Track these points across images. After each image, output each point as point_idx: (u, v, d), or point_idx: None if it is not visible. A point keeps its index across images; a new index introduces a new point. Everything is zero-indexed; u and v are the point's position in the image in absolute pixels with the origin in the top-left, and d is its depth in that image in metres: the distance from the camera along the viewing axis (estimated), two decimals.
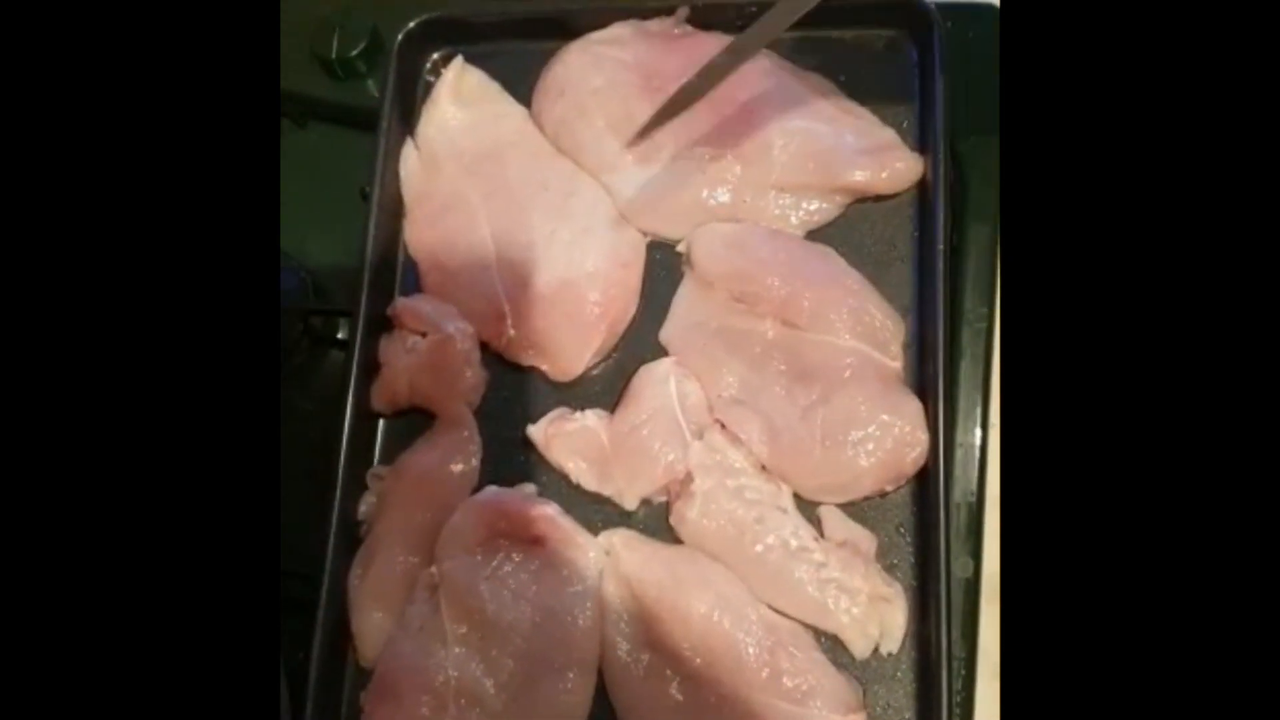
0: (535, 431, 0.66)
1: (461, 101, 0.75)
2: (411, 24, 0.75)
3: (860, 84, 0.71)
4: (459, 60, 0.76)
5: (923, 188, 0.67)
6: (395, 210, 0.74)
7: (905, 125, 0.69)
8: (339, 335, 0.77)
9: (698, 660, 0.60)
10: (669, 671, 0.60)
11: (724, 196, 0.68)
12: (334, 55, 0.81)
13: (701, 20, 0.73)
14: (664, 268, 0.70)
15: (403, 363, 0.68)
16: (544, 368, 0.68)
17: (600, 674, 0.62)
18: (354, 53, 0.81)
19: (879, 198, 0.68)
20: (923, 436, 0.61)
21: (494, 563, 0.63)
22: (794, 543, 0.61)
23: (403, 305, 0.70)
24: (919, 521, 0.62)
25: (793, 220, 0.68)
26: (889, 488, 0.62)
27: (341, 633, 0.65)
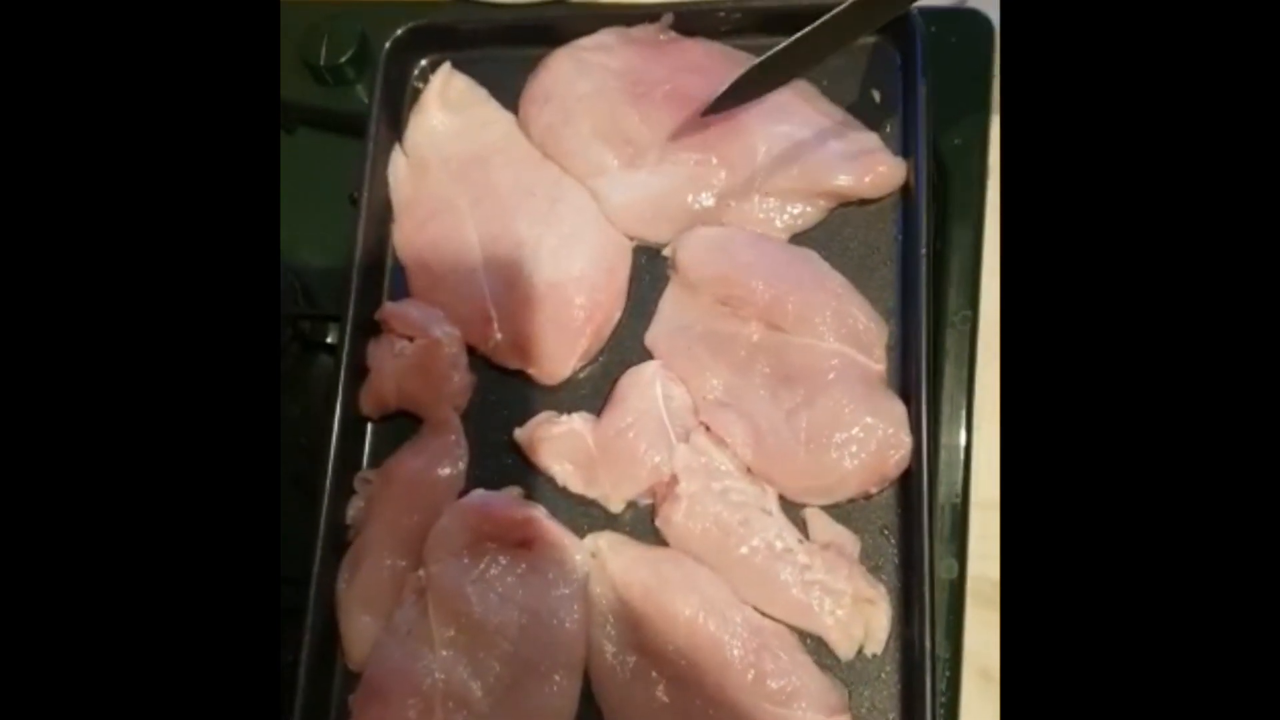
0: (522, 435, 0.67)
1: (449, 107, 0.75)
2: (399, 31, 0.76)
3: (844, 89, 0.71)
4: (446, 67, 0.76)
5: (906, 192, 0.68)
6: (383, 215, 0.74)
7: (888, 130, 0.70)
8: (328, 340, 0.77)
9: (683, 662, 0.60)
10: (655, 673, 0.60)
11: (709, 201, 0.69)
12: (322, 62, 0.82)
13: (686, 27, 0.74)
14: (649, 272, 0.70)
15: (390, 367, 0.69)
16: (530, 371, 0.69)
17: (587, 676, 0.62)
18: (342, 59, 0.82)
19: (862, 202, 0.69)
20: (906, 438, 0.61)
21: (481, 566, 0.64)
22: (779, 545, 0.62)
23: (391, 310, 0.70)
24: (903, 523, 0.62)
25: (777, 224, 0.69)
26: (873, 490, 0.63)
27: (330, 636, 0.66)
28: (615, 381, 0.67)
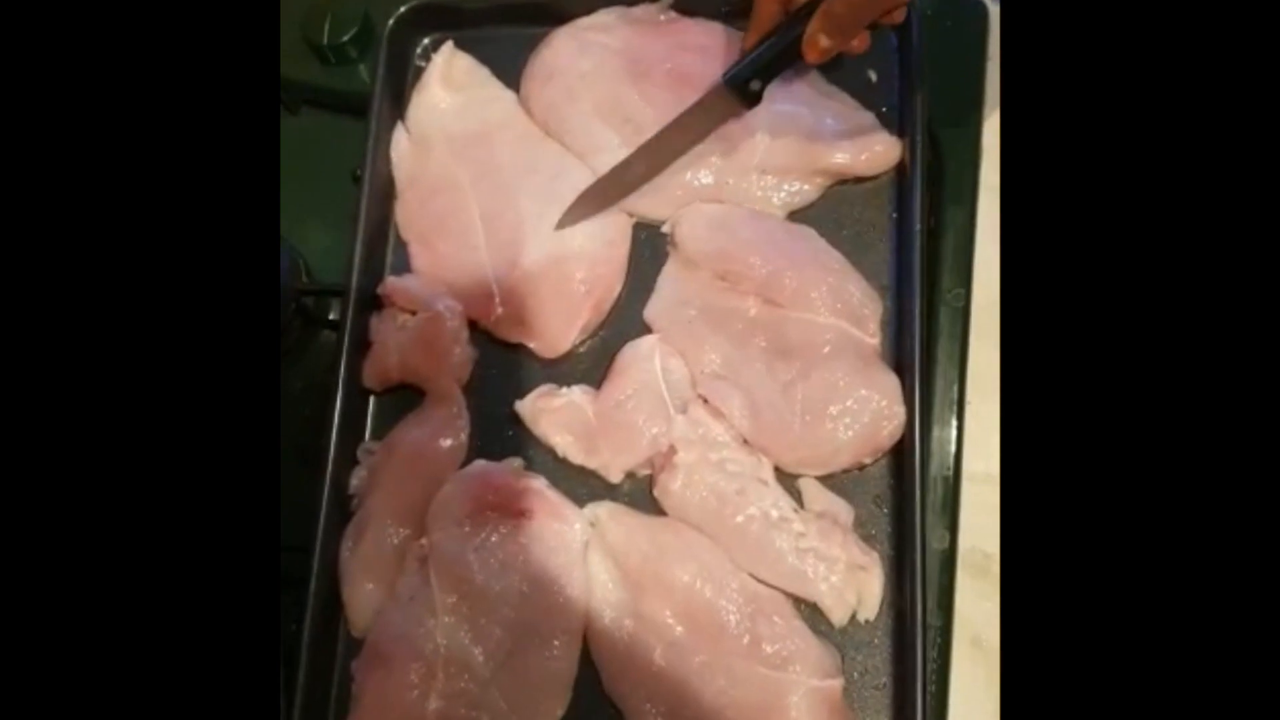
0: (523, 407, 0.68)
1: (451, 86, 0.76)
2: (402, 9, 0.77)
3: (840, 69, 0.72)
4: (449, 45, 0.77)
5: (901, 170, 0.69)
6: (386, 192, 0.75)
7: (885, 110, 0.71)
8: (330, 316, 0.79)
9: (680, 628, 0.62)
10: (653, 638, 0.62)
11: (707, 178, 0.70)
12: (325, 41, 0.83)
13: (685, 7, 0.75)
14: (649, 248, 0.71)
15: (393, 340, 0.70)
16: (531, 345, 0.70)
17: (586, 641, 0.63)
18: (345, 38, 0.82)
19: (859, 180, 0.70)
20: (900, 410, 0.63)
21: (482, 534, 0.65)
22: (774, 513, 0.63)
23: (393, 284, 0.71)
24: (896, 493, 0.64)
25: (775, 201, 0.70)
26: (867, 460, 0.64)
27: (333, 604, 0.67)
28: (615, 355, 0.68)
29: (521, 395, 0.68)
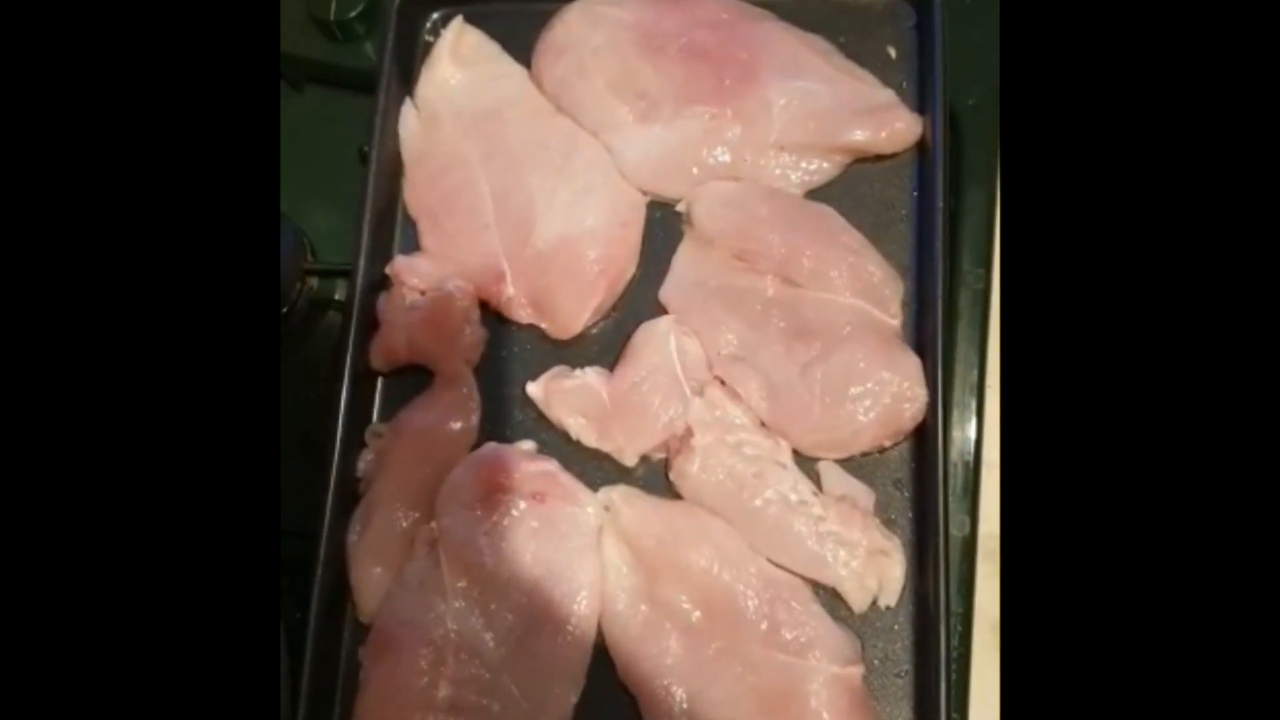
0: (535, 389, 0.66)
1: (461, 61, 0.75)
2: None
3: (860, 45, 0.71)
4: (458, 20, 0.76)
5: (921, 149, 0.68)
6: (394, 170, 0.74)
7: (904, 86, 0.70)
8: (336, 296, 0.77)
9: (697, 613, 0.60)
10: (668, 624, 0.60)
11: (724, 156, 0.69)
12: (332, 17, 0.81)
13: None
14: (663, 227, 0.70)
15: (402, 320, 0.68)
16: (543, 326, 0.68)
17: (600, 628, 0.62)
18: (352, 14, 0.81)
19: (878, 158, 0.68)
20: (921, 392, 0.61)
21: (494, 518, 0.63)
22: (793, 497, 0.61)
23: (402, 264, 0.70)
24: (917, 477, 0.63)
25: (793, 179, 0.68)
26: (887, 443, 0.63)
27: (339, 589, 0.65)
28: (629, 337, 0.67)
29: (533, 377, 0.67)
